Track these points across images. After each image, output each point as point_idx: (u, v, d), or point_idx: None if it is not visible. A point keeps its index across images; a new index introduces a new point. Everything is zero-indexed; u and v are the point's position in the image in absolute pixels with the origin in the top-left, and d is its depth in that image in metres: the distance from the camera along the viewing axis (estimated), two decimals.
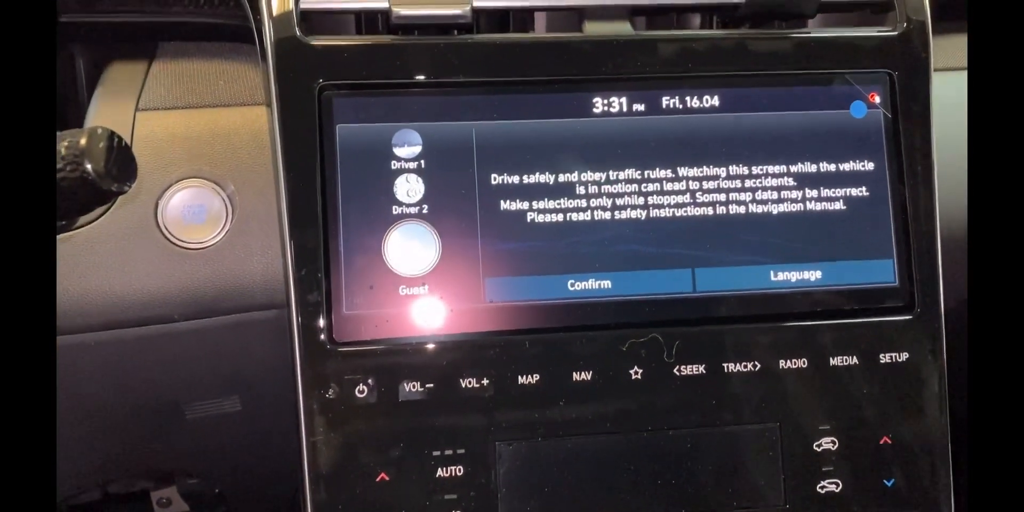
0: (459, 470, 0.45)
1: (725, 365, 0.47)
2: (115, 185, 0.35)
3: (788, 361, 0.48)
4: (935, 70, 0.51)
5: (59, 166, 0.34)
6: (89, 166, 0.34)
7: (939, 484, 0.48)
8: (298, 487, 0.45)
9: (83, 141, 0.34)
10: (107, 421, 0.55)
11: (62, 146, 0.34)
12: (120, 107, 0.52)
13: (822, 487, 0.48)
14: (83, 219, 0.49)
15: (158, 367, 0.53)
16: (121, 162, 0.35)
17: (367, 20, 0.54)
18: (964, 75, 0.57)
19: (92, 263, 0.49)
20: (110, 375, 0.52)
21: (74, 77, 0.59)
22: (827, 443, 0.48)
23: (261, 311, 0.51)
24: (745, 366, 0.47)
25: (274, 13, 0.46)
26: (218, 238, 0.50)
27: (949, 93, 0.54)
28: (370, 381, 0.45)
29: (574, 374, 0.46)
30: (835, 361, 0.48)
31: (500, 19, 0.54)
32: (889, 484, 0.48)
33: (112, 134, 0.36)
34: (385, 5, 0.47)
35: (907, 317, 0.49)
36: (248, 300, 0.51)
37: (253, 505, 0.71)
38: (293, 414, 0.45)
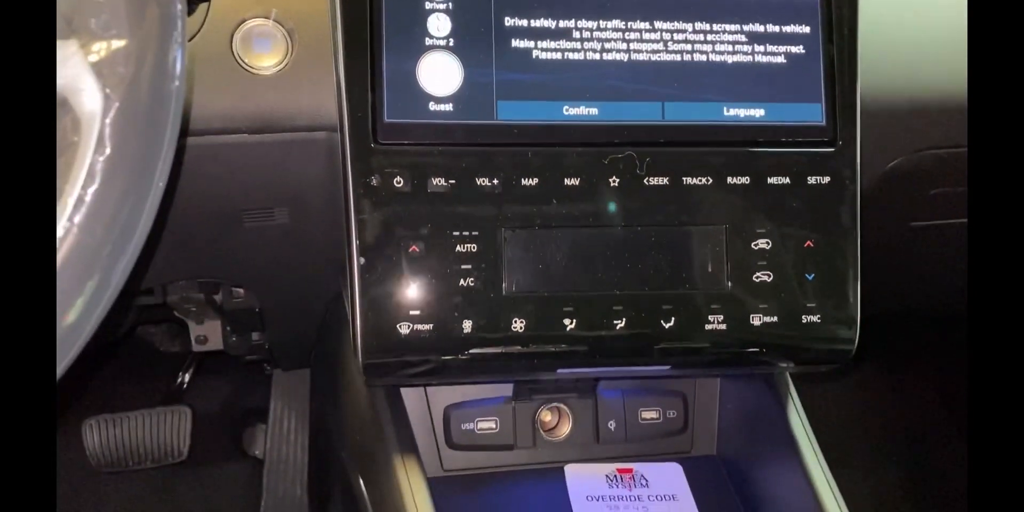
0: (473, 248, 0.57)
1: (684, 178, 0.60)
2: None
3: (735, 178, 0.60)
4: None
5: None
6: None
7: (847, 280, 0.61)
8: (344, 270, 0.56)
9: None
10: (172, 224, 0.66)
11: None
12: None
13: (757, 277, 0.60)
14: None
15: (222, 176, 0.64)
16: None
17: None
18: None
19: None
20: (182, 180, 0.63)
21: None
22: (763, 243, 0.60)
23: (312, 131, 0.62)
24: (700, 180, 0.60)
25: None
26: (281, 67, 0.61)
27: None
28: (405, 174, 0.57)
29: (565, 180, 0.58)
30: (772, 180, 0.61)
31: None
32: (809, 278, 0.61)
33: None
34: None
35: (830, 150, 0.61)
36: (302, 121, 0.62)
37: (285, 323, 0.83)
38: (343, 203, 0.57)
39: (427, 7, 0.58)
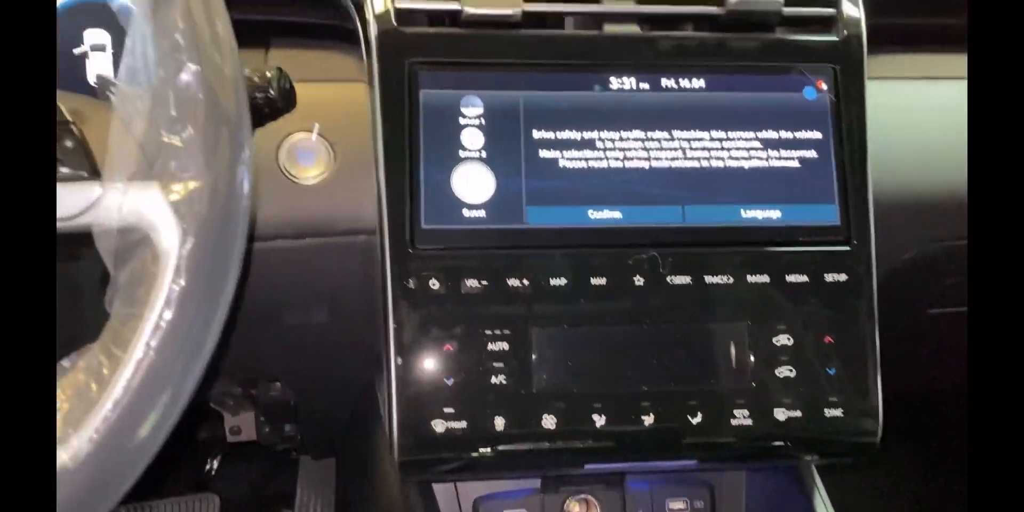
0: (505, 346, 0.60)
1: (706, 277, 0.62)
2: (283, 104, 0.51)
3: (754, 276, 0.63)
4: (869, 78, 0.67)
5: (251, 88, 0.49)
6: (272, 92, 0.50)
7: (868, 373, 0.63)
8: (379, 368, 0.59)
9: (269, 74, 0.50)
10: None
11: (255, 75, 0.50)
12: None
13: (779, 372, 0.62)
14: None
15: (268, 279, 0.67)
16: (287, 91, 0.51)
17: (437, 16, 0.70)
18: (888, 83, 0.73)
19: None
20: None
21: None
22: (784, 339, 0.62)
23: (351, 235, 0.66)
24: (721, 279, 0.63)
25: (377, 11, 0.63)
26: (322, 176, 0.65)
27: (877, 92, 0.70)
28: (441, 276, 0.60)
29: (592, 280, 0.61)
30: (790, 278, 0.63)
31: (541, 18, 0.71)
32: (831, 372, 0.63)
33: (283, 72, 0.52)
34: (458, 6, 0.64)
35: (846, 248, 0.64)
36: (342, 226, 0.66)
37: (318, 414, 0.85)
38: (380, 304, 0.60)
39: (461, 122, 0.62)
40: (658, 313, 0.61)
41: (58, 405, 0.34)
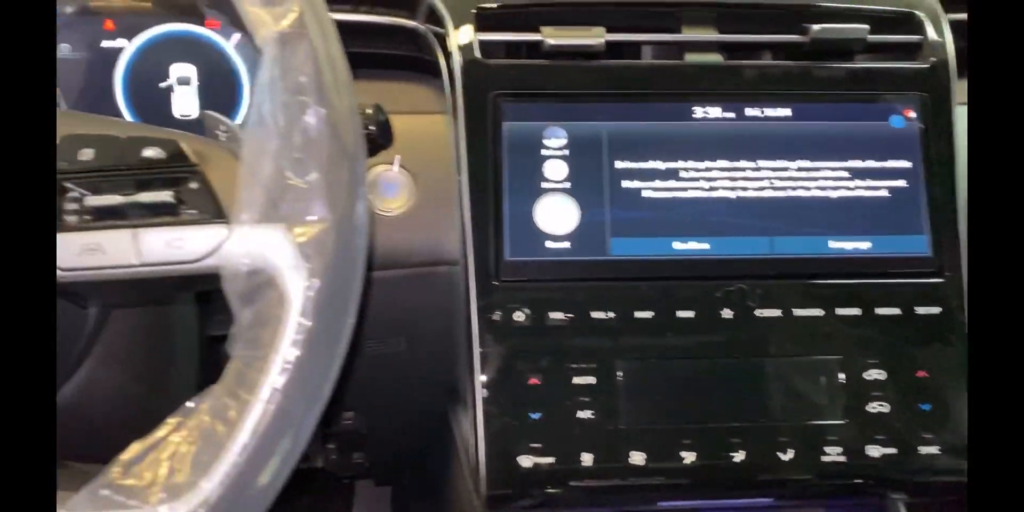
0: (591, 380, 0.59)
1: (795, 310, 0.61)
2: (383, 140, 0.51)
3: (844, 309, 0.61)
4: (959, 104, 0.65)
5: None
6: (373, 128, 0.50)
7: (961, 410, 0.61)
8: (466, 394, 0.59)
9: (369, 110, 0.51)
10: None
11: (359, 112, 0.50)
12: None
13: (872, 408, 0.60)
14: None
15: None
16: (385, 126, 0.52)
17: (519, 47, 0.70)
18: None
19: None
20: None
21: None
22: (876, 374, 0.61)
23: (432, 267, 0.66)
24: (811, 312, 0.61)
25: (461, 43, 0.63)
26: (404, 208, 0.65)
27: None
28: (525, 309, 0.59)
29: (678, 312, 0.60)
30: (881, 311, 0.62)
31: (620, 48, 0.71)
32: (925, 408, 0.61)
33: (381, 108, 0.52)
34: (540, 38, 0.64)
35: (939, 280, 0.63)
36: (423, 257, 0.66)
37: (390, 443, 0.85)
38: (464, 336, 0.59)
39: (544, 154, 0.62)
40: (747, 346, 0.60)
41: (183, 447, 0.34)
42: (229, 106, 0.70)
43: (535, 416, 0.58)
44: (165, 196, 0.37)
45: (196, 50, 0.69)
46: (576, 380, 0.59)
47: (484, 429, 0.58)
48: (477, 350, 0.59)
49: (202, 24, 0.68)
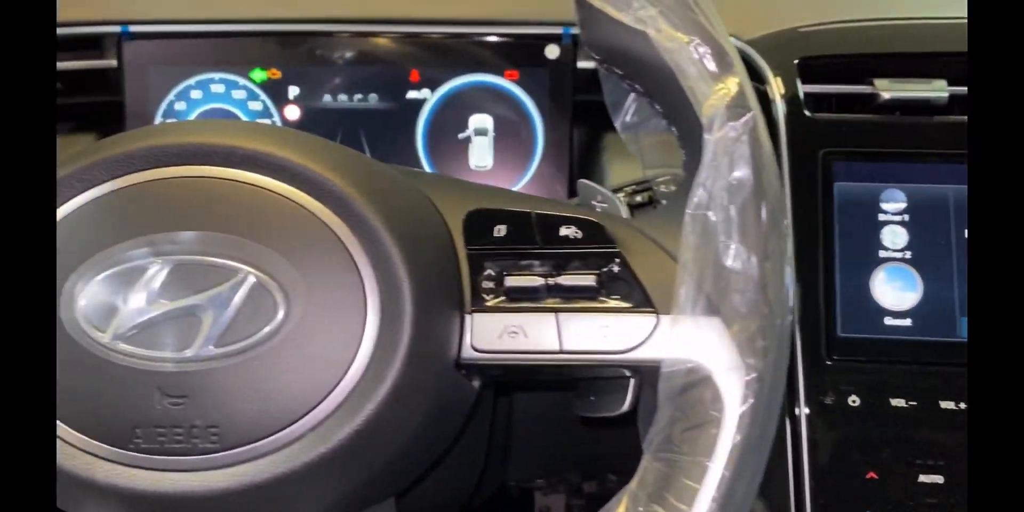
0: (940, 480, 0.52)
1: None
2: None
3: None
4: None
5: None
6: None
7: None
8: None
9: None
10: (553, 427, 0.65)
11: None
12: None
13: None
14: None
15: None
16: None
17: (848, 100, 0.64)
18: None
19: None
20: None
21: None
22: None
23: None
24: None
25: (784, 93, 0.59)
26: None
27: None
28: (862, 392, 0.53)
29: None
30: None
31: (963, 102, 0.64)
32: None
33: None
34: (872, 90, 0.58)
35: None
36: None
37: None
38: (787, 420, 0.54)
39: (880, 219, 0.56)
40: None
41: None
42: (523, 158, 0.68)
43: None
44: (588, 280, 0.35)
45: (494, 101, 0.68)
46: (922, 478, 0.52)
47: None
48: (805, 436, 0.53)
49: (502, 75, 0.68)
